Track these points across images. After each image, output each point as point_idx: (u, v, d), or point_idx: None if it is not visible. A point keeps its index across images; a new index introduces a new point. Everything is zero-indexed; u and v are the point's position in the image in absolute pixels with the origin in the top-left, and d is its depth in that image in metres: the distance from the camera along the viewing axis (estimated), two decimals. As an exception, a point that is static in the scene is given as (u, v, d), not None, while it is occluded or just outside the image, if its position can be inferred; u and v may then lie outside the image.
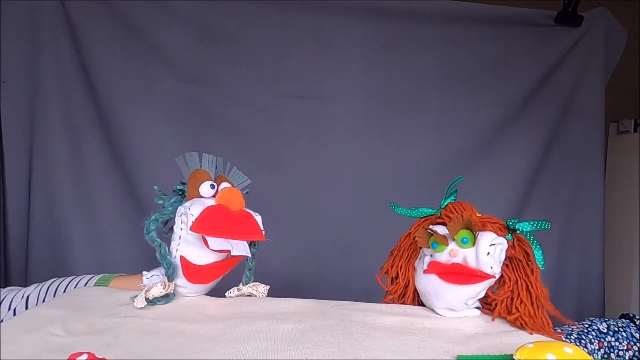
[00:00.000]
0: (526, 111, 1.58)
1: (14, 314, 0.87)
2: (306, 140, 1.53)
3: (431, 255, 0.69)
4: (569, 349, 0.46)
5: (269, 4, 1.46)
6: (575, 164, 1.60)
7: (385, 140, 1.55)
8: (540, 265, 0.67)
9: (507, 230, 0.69)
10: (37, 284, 0.93)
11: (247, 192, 0.74)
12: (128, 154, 1.44)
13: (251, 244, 0.73)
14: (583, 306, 1.58)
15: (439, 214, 0.73)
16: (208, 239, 0.64)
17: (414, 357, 0.54)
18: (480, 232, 0.66)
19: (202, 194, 0.68)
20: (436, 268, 0.68)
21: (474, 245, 0.65)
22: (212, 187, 0.68)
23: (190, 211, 0.65)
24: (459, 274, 0.66)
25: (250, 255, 0.69)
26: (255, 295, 0.75)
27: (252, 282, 0.76)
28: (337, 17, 1.50)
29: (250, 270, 0.76)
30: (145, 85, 1.44)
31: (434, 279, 0.68)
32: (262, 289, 0.76)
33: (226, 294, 0.75)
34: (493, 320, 0.67)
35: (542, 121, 1.58)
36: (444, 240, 0.67)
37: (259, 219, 0.71)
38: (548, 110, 1.58)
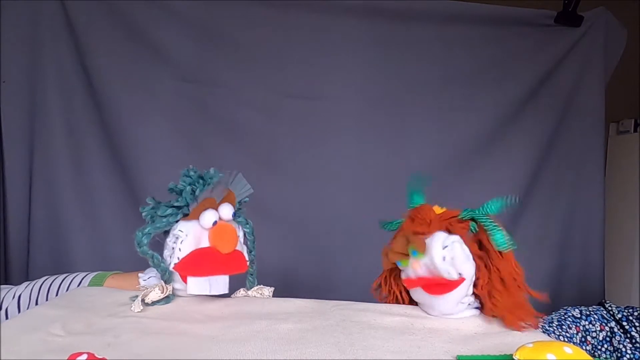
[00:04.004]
0: (526, 111, 1.58)
1: (6, 313, 0.87)
2: (306, 140, 1.53)
3: (406, 271, 0.69)
4: (569, 349, 0.46)
5: (269, 4, 1.46)
6: (575, 164, 1.60)
7: (385, 140, 1.55)
8: (503, 247, 0.63)
9: (466, 221, 0.66)
10: (28, 282, 0.92)
11: (246, 201, 0.73)
12: (128, 154, 1.44)
13: (249, 251, 0.74)
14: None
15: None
16: (188, 281, 0.66)
17: (414, 357, 0.54)
18: (431, 237, 0.64)
19: (201, 223, 0.67)
20: (411, 284, 0.67)
21: (424, 254, 0.64)
22: (215, 223, 0.67)
23: (180, 244, 0.66)
24: (435, 285, 0.64)
25: (227, 292, 0.69)
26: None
27: (256, 285, 0.76)
28: (337, 17, 1.50)
29: (252, 275, 0.76)
30: (146, 85, 1.44)
31: (420, 290, 0.67)
32: (267, 291, 0.76)
33: (232, 296, 0.75)
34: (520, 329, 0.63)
35: (541, 121, 1.58)
36: (403, 257, 0.66)
37: (241, 232, 0.72)
38: (548, 111, 1.58)
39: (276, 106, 1.51)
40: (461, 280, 0.64)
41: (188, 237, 0.67)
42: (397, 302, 0.74)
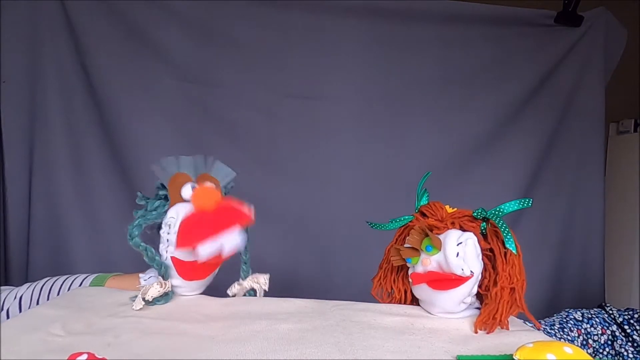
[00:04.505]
0: (526, 111, 1.57)
1: (7, 314, 0.87)
2: (306, 140, 1.53)
3: (414, 267, 0.69)
4: (569, 349, 0.46)
5: (269, 4, 1.46)
6: (575, 164, 1.60)
7: (385, 140, 1.55)
8: (513, 250, 0.64)
9: (477, 220, 0.67)
10: (30, 283, 0.93)
11: (232, 187, 0.73)
12: (128, 154, 1.44)
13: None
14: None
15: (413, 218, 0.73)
16: (198, 251, 0.65)
17: (414, 357, 0.54)
18: (445, 233, 0.65)
19: (184, 197, 0.67)
20: (418, 279, 0.68)
21: (440, 248, 0.65)
22: (193, 187, 0.67)
23: (176, 218, 0.66)
24: (442, 280, 0.65)
25: (243, 246, 0.69)
26: (257, 287, 0.75)
27: (251, 274, 0.76)
28: (337, 17, 1.50)
29: (245, 263, 0.75)
30: (146, 85, 1.44)
31: (424, 287, 0.68)
32: (263, 279, 0.75)
33: (228, 291, 0.75)
34: (489, 332, 0.64)
35: (542, 121, 1.58)
36: (414, 253, 0.67)
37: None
38: (548, 111, 1.58)
39: (276, 106, 1.51)
40: (469, 277, 0.64)
41: (179, 214, 0.67)
42: (401, 300, 0.74)
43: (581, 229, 1.61)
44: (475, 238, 0.65)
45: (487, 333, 0.63)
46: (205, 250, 0.64)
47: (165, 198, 0.69)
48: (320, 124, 1.54)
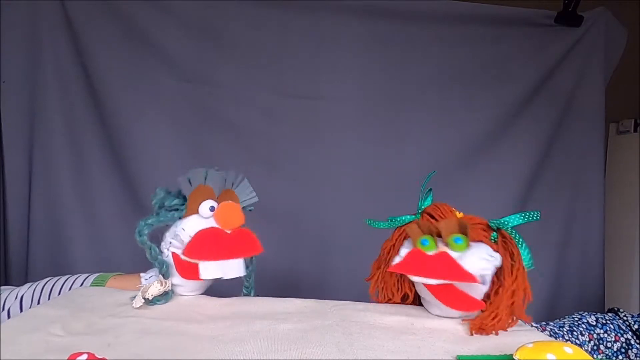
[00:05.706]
0: (526, 112, 1.57)
1: (8, 313, 0.87)
2: (306, 140, 1.53)
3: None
4: (569, 349, 0.46)
5: (269, 4, 1.46)
6: (575, 164, 1.60)
7: (385, 141, 1.55)
8: (527, 266, 0.64)
9: (491, 230, 0.67)
10: (31, 283, 0.93)
11: (250, 210, 0.73)
12: (128, 154, 1.44)
13: (250, 260, 0.74)
14: (583, 306, 1.58)
15: (419, 218, 0.72)
16: (200, 267, 0.66)
17: (414, 357, 0.54)
18: (474, 243, 0.65)
19: (200, 213, 0.67)
20: (414, 264, 0.64)
21: (465, 249, 0.64)
22: (212, 209, 0.67)
23: (186, 231, 0.66)
24: (455, 297, 0.63)
25: (243, 274, 0.69)
26: None
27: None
28: (337, 17, 1.50)
29: (247, 288, 0.76)
30: (146, 85, 1.44)
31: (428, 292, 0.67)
32: None
33: None
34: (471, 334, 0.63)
35: (542, 121, 1.58)
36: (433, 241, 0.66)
37: None
38: (548, 111, 1.58)
39: (276, 106, 1.51)
40: (482, 306, 0.63)
41: (191, 225, 0.67)
42: (404, 296, 0.74)
43: (581, 229, 1.61)
44: (499, 263, 0.64)
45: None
46: (206, 273, 0.66)
47: (185, 198, 0.69)
48: (320, 124, 1.54)
